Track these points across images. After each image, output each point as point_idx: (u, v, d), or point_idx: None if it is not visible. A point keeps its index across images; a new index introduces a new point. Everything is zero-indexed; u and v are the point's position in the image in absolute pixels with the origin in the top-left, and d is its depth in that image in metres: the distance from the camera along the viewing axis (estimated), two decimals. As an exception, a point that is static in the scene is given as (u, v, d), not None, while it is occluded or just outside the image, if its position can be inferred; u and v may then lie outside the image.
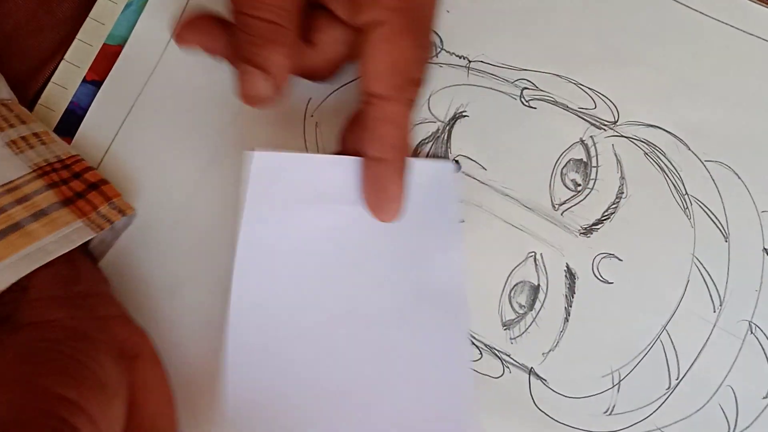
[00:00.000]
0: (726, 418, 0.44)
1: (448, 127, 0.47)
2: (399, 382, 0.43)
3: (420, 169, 0.44)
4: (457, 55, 0.48)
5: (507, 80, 0.48)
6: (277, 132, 0.47)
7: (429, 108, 0.47)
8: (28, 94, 0.46)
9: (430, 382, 0.43)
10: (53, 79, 0.46)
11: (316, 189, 0.43)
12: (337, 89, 0.48)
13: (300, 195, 0.43)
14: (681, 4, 0.48)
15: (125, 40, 0.47)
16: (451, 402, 0.43)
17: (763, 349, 0.45)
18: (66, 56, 0.46)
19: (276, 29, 0.38)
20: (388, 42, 0.40)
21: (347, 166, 0.43)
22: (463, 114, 0.47)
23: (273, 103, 0.39)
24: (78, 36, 0.47)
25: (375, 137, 0.41)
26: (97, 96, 0.46)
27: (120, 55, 0.47)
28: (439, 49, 0.48)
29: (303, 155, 0.44)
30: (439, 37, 0.48)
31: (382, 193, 0.42)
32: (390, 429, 0.42)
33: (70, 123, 0.45)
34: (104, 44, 0.47)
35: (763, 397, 0.45)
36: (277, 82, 0.39)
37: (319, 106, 0.47)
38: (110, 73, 0.46)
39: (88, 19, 0.47)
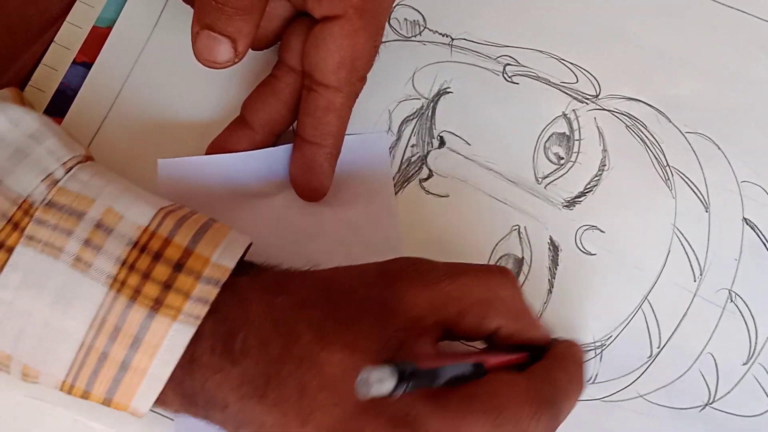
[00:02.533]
0: (707, 384, 0.47)
1: (432, 104, 0.49)
2: None
3: (353, 144, 0.47)
4: (440, 33, 0.50)
5: (490, 57, 0.50)
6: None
7: (413, 85, 0.49)
8: (18, 75, 0.48)
9: None
10: (43, 61, 0.48)
11: (231, 187, 0.46)
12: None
13: (216, 195, 0.46)
14: (660, -22, 0.51)
15: (114, 23, 0.49)
16: None
17: (743, 316, 0.47)
18: (56, 39, 0.48)
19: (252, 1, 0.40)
20: (347, 38, 0.42)
21: (258, 160, 0.46)
22: (447, 90, 0.49)
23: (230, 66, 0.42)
24: (67, 19, 0.49)
25: (317, 124, 0.44)
26: (87, 77, 0.48)
27: (109, 37, 0.49)
28: (422, 28, 0.50)
29: (209, 157, 0.47)
30: (422, 15, 0.50)
31: (313, 176, 0.45)
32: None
33: (60, 104, 0.47)
34: (93, 26, 0.49)
35: (743, 364, 0.47)
36: (242, 51, 0.41)
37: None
38: (100, 55, 0.48)
39: (77, 2, 0.49)
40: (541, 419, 0.36)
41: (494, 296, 0.39)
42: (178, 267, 0.37)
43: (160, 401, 0.37)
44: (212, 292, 0.36)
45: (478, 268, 0.40)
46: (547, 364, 0.40)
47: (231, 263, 0.37)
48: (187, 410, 0.38)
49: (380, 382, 0.31)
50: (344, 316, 0.37)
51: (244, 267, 0.39)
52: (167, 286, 0.36)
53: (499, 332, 0.39)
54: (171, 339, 0.36)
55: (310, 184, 0.45)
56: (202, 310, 0.36)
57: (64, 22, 0.49)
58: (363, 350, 0.36)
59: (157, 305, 0.36)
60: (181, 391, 0.37)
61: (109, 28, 0.49)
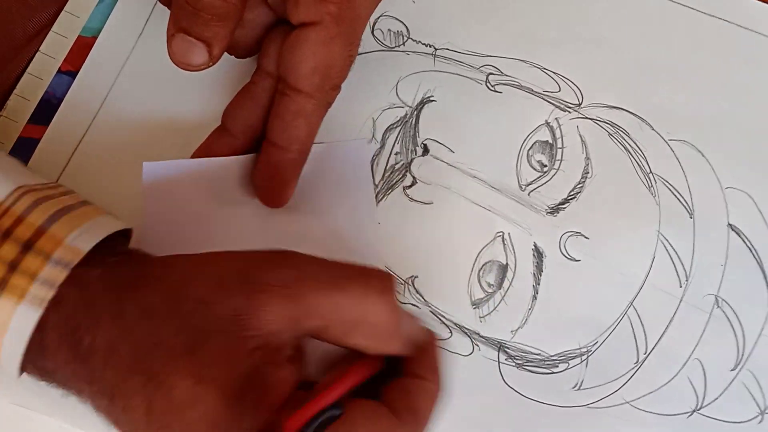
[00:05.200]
0: (695, 390, 0.48)
1: (416, 112, 0.51)
2: None
3: (334, 151, 0.49)
4: (423, 44, 0.52)
5: (473, 66, 0.52)
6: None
7: (397, 93, 0.51)
8: (4, 84, 0.50)
9: None
10: (28, 69, 0.50)
11: (215, 191, 0.48)
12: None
13: (199, 198, 0.47)
14: (641, -12, 0.53)
15: (99, 32, 0.51)
16: None
17: (730, 322, 0.48)
18: (41, 48, 0.50)
19: (229, 7, 0.41)
20: (322, 45, 0.44)
21: (241, 165, 0.48)
22: (431, 99, 0.51)
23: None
24: (53, 28, 0.51)
25: (286, 128, 0.45)
26: (72, 86, 0.50)
27: (94, 46, 0.51)
28: (405, 38, 0.52)
29: (194, 160, 0.48)
30: (406, 26, 0.52)
31: (275, 181, 0.46)
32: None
33: (45, 112, 0.49)
34: (79, 36, 0.51)
35: (731, 370, 0.48)
36: (217, 55, 0.42)
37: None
38: (85, 64, 0.50)
39: (63, 12, 0.51)
40: None
41: (363, 319, 0.37)
42: (28, 246, 0.36)
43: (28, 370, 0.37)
44: (60, 275, 0.36)
45: (355, 282, 0.38)
46: (406, 385, 0.39)
47: (86, 246, 0.37)
48: (50, 383, 0.38)
49: None
50: (193, 334, 0.35)
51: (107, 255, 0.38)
52: (13, 266, 0.36)
53: (358, 347, 0.39)
54: (17, 321, 0.35)
55: (272, 189, 0.47)
56: (48, 294, 0.35)
57: (50, 32, 0.51)
58: (211, 380, 0.34)
59: (1, 285, 0.35)
60: (39, 368, 0.37)
61: (95, 38, 0.51)
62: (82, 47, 0.51)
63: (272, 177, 0.46)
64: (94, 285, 0.36)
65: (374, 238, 0.48)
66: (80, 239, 0.37)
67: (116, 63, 0.51)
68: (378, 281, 0.38)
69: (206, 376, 0.34)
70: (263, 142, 0.47)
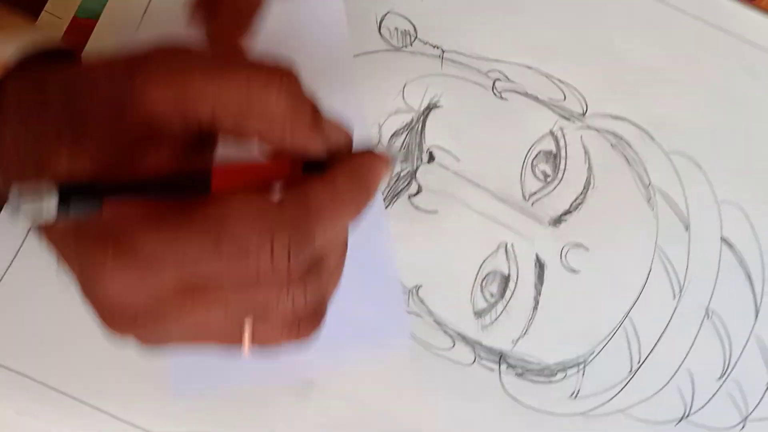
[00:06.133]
0: (683, 398, 0.50)
1: (422, 118, 0.51)
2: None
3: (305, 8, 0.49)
4: (431, 45, 0.52)
5: (480, 71, 0.52)
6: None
7: (403, 98, 0.51)
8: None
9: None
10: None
11: None
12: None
13: None
14: (649, -3, 0.53)
15: (96, 14, 0.49)
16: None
17: (718, 333, 0.51)
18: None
19: None
20: None
21: None
22: (437, 104, 0.51)
23: None
24: (46, 8, 0.49)
25: None
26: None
27: (94, 29, 0.49)
28: (413, 38, 0.51)
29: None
30: (413, 25, 0.51)
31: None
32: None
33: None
34: (74, 17, 0.49)
35: (717, 379, 0.51)
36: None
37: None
38: (85, 49, 0.48)
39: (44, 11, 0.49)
40: (280, 245, 0.32)
41: (251, 105, 0.34)
42: None
43: None
44: None
45: (243, 67, 0.34)
46: (308, 180, 0.35)
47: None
48: None
49: (35, 202, 0.29)
50: (79, 115, 0.34)
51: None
52: None
53: (263, 142, 0.35)
54: None
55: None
56: None
57: (43, 12, 0.49)
58: (85, 153, 0.33)
59: None
60: None
61: (91, 20, 0.49)
62: (78, 30, 0.48)
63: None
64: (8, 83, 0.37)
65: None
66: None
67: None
68: (269, 68, 0.35)
69: (83, 153, 0.33)
70: None
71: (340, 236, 0.37)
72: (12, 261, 0.47)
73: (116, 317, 0.33)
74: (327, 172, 0.36)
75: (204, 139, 0.35)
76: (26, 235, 0.47)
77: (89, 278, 0.32)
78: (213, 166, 0.34)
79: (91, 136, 0.33)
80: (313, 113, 0.35)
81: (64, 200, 0.29)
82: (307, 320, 0.37)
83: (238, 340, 0.36)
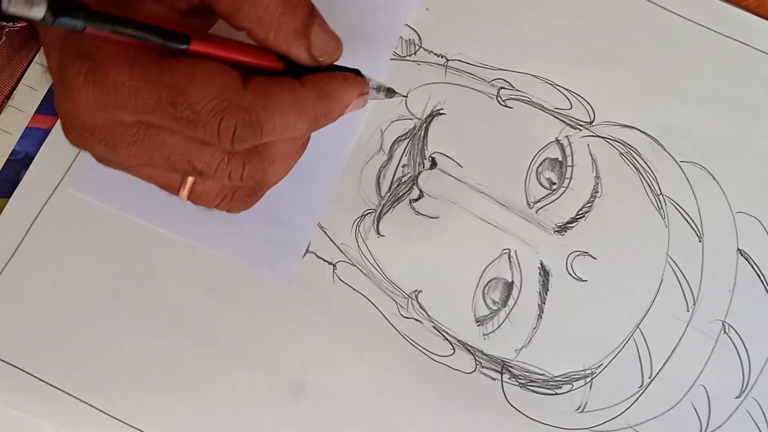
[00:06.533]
0: (698, 416, 0.48)
1: (425, 125, 0.51)
2: None
3: None
4: (435, 54, 0.52)
5: (484, 79, 0.52)
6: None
7: (406, 105, 0.51)
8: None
9: None
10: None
11: None
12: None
13: None
14: (658, 5, 0.53)
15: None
16: None
17: (736, 348, 0.49)
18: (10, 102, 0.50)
19: None
20: None
21: None
22: (440, 112, 0.51)
23: None
24: (23, 81, 0.51)
25: None
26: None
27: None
28: (417, 47, 0.52)
29: None
30: (418, 34, 0.52)
31: None
32: None
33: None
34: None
35: (736, 397, 0.48)
36: None
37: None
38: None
39: (33, 63, 0.51)
40: (228, 124, 0.35)
41: None
42: None
43: None
44: None
45: None
46: (278, 78, 0.37)
47: None
48: None
49: (26, 3, 0.31)
50: None
51: None
52: None
53: (250, 35, 0.37)
54: None
55: None
56: None
57: (20, 84, 0.51)
58: None
59: None
60: None
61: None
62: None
63: None
64: None
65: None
66: None
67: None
68: None
69: None
70: None
71: (293, 137, 0.39)
72: (11, 257, 0.48)
73: (76, 129, 0.36)
74: (299, 79, 0.38)
75: (205, 11, 0.38)
76: (26, 231, 0.48)
77: (62, 89, 0.35)
78: (198, 32, 0.36)
79: None
80: (305, 20, 0.37)
81: (53, 10, 0.32)
82: (240, 194, 0.41)
83: (175, 189, 0.40)
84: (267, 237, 0.49)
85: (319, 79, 0.39)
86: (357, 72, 0.41)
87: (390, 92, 0.44)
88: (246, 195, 0.41)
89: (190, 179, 0.39)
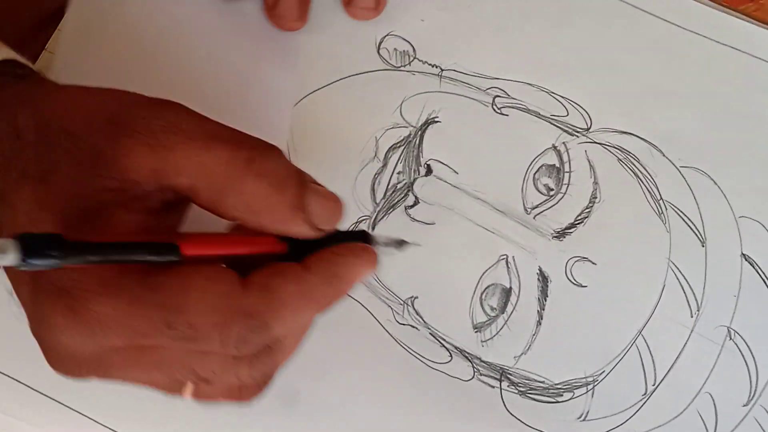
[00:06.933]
0: (705, 425, 0.46)
1: (420, 132, 0.51)
2: None
3: None
4: (429, 64, 0.52)
5: (479, 88, 0.52)
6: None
7: (401, 113, 0.51)
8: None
9: None
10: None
11: None
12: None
13: None
14: (652, 15, 0.53)
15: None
16: None
17: (743, 355, 0.47)
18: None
19: None
20: None
21: None
22: (435, 120, 0.51)
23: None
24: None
25: None
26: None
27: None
28: (411, 58, 0.52)
29: None
30: (412, 45, 0.52)
31: None
32: None
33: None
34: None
35: (743, 405, 0.46)
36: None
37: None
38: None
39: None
40: (232, 334, 0.32)
41: (230, 186, 0.33)
42: None
43: None
44: None
45: (227, 144, 0.33)
46: (280, 268, 0.34)
47: None
48: None
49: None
50: (50, 163, 0.33)
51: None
52: None
53: (240, 223, 0.35)
54: None
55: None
56: None
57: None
58: (54, 207, 0.32)
59: None
60: None
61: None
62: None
63: None
64: None
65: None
66: None
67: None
68: (252, 149, 0.34)
69: (49, 204, 0.33)
70: None
71: (302, 325, 0.37)
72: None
73: (61, 362, 0.34)
74: (303, 262, 0.35)
75: (179, 203, 0.35)
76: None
77: (39, 325, 0.33)
78: (186, 235, 0.34)
79: (60, 186, 0.33)
80: (296, 194, 0.34)
81: (25, 251, 0.29)
82: (250, 388, 0.37)
83: (178, 392, 0.36)
84: None
85: (325, 260, 0.35)
86: (363, 234, 0.38)
87: (401, 244, 0.41)
88: (256, 386, 0.37)
89: (189, 388, 0.36)
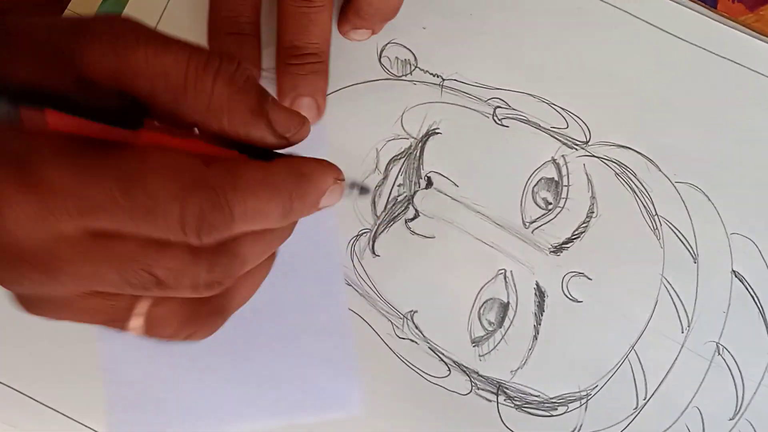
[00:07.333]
0: (693, 439, 0.48)
1: (420, 144, 0.51)
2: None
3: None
4: (431, 73, 0.52)
5: (480, 99, 0.52)
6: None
7: (402, 124, 0.51)
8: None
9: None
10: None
11: None
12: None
13: None
14: (654, 26, 0.53)
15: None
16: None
17: (730, 370, 0.49)
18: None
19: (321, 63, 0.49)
20: None
21: None
22: (436, 131, 0.51)
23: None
24: (69, 7, 0.50)
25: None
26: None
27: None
28: (413, 67, 0.52)
29: None
30: (414, 54, 0.52)
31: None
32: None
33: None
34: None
35: (730, 419, 0.48)
36: (323, 108, 0.50)
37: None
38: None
39: (66, 11, 0.51)
40: (194, 209, 0.30)
41: (196, 83, 0.32)
42: None
43: None
44: None
45: (193, 47, 0.33)
46: (245, 159, 0.34)
47: None
48: None
49: None
50: (12, 53, 0.31)
51: None
52: None
53: (200, 127, 0.34)
54: None
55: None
56: None
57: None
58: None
59: None
60: None
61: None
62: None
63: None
64: None
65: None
66: None
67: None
68: (213, 54, 0.33)
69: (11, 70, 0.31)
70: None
71: (264, 236, 0.35)
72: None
73: (4, 258, 0.31)
74: (268, 162, 0.34)
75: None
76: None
77: None
78: (148, 121, 0.32)
79: (20, 77, 0.30)
80: (257, 98, 0.33)
81: None
82: (204, 314, 0.35)
83: (124, 319, 0.34)
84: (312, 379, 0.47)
85: (290, 160, 0.35)
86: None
87: (364, 189, 0.45)
88: (209, 314, 0.35)
89: (143, 304, 0.34)
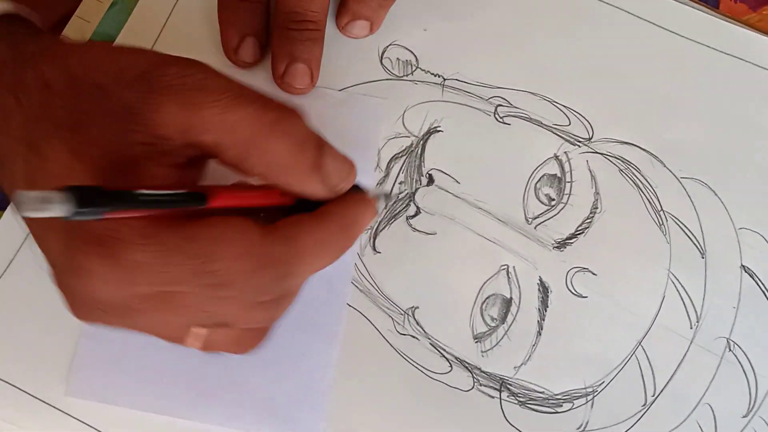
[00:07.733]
0: (704, 436, 0.47)
1: (422, 142, 0.51)
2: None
3: (350, 102, 0.51)
4: (432, 73, 0.53)
5: (481, 97, 0.52)
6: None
7: (403, 123, 0.51)
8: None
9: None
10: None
11: None
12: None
13: None
14: (655, 24, 0.53)
15: (111, 39, 0.52)
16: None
17: (742, 367, 0.48)
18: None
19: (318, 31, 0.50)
20: None
21: None
22: (438, 129, 0.51)
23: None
24: (63, 32, 0.51)
25: None
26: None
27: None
28: (414, 67, 0.53)
29: None
30: (415, 55, 0.53)
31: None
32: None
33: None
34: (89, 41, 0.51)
35: (743, 416, 0.47)
36: (317, 77, 0.51)
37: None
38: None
39: (73, 17, 0.52)
40: (262, 279, 0.34)
41: (255, 144, 0.35)
42: None
43: None
44: None
45: (260, 104, 0.35)
46: (300, 220, 0.36)
47: None
48: None
49: (43, 203, 0.28)
50: (82, 115, 0.34)
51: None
52: None
53: (262, 180, 0.36)
54: None
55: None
56: None
57: (60, 36, 0.52)
58: (87, 157, 0.33)
59: None
60: None
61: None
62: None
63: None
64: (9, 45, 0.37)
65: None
66: None
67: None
68: (277, 110, 0.36)
69: (83, 153, 0.33)
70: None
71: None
72: (3, 272, 0.48)
73: (86, 308, 0.35)
74: (317, 213, 0.37)
75: (200, 159, 0.37)
76: (19, 246, 0.48)
77: (69, 273, 0.33)
78: (209, 186, 0.35)
79: (94, 137, 0.34)
80: (315, 158, 0.36)
81: (75, 202, 0.29)
82: (251, 337, 0.40)
83: (183, 340, 0.37)
84: (281, 397, 0.47)
85: (337, 211, 0.38)
86: (357, 188, 0.40)
87: (388, 197, 0.48)
88: (256, 336, 0.40)
89: (200, 333, 0.37)
